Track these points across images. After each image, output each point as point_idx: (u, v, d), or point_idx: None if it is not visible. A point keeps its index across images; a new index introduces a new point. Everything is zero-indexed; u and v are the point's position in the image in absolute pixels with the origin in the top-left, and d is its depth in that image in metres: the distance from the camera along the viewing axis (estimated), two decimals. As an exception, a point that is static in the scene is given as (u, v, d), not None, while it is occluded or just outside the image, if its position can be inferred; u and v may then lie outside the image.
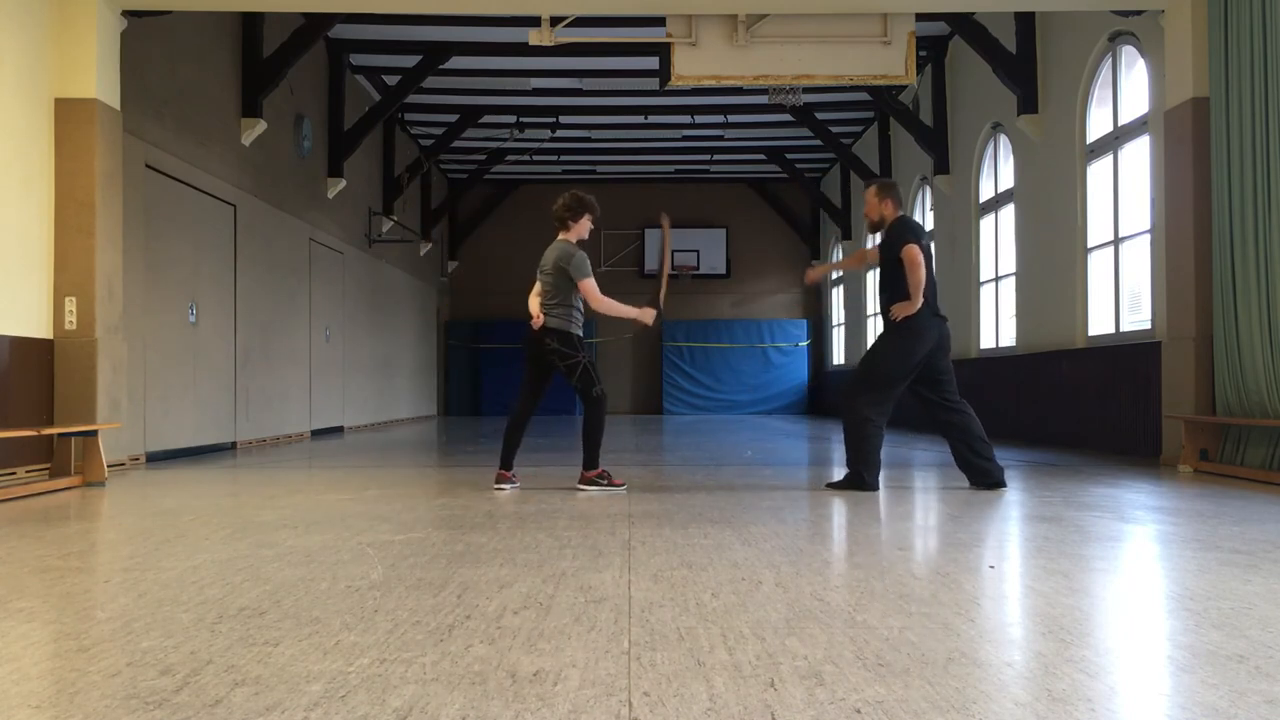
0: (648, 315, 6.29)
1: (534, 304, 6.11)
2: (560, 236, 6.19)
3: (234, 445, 10.47)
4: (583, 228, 6.20)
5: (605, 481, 6.04)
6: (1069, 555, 3.76)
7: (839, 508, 5.46)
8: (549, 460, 8.46)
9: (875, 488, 5.93)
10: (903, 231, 5.88)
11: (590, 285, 6.03)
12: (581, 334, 6.13)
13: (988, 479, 6.01)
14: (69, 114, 7.27)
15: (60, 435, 6.83)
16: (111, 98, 7.55)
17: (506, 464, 6.19)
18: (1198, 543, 4.05)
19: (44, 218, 7.17)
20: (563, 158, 20.08)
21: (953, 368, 6.12)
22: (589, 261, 6.13)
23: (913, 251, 5.76)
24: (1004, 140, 12.08)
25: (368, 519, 4.79)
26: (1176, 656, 2.40)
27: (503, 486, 6.11)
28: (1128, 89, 9.32)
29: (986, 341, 12.64)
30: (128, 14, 7.82)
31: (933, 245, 6.19)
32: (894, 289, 5.93)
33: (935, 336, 5.91)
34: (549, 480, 6.69)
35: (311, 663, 2.31)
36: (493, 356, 21.87)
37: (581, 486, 6.05)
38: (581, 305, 6.14)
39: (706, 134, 18.19)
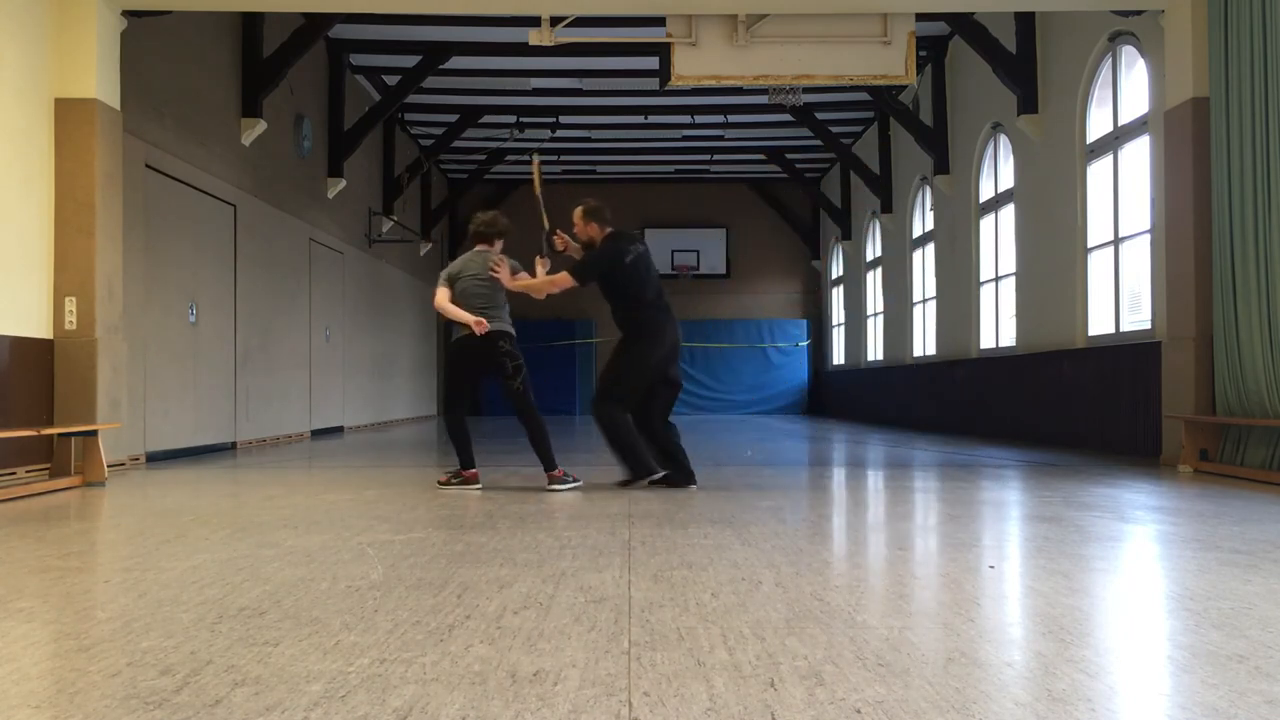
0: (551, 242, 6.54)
1: (459, 311, 6.09)
2: (479, 247, 6.32)
3: (234, 445, 10.47)
4: (496, 249, 6.37)
5: (571, 479, 6.14)
6: (1069, 555, 3.76)
7: (839, 508, 5.47)
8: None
9: (656, 471, 6.10)
10: (583, 262, 6.18)
11: (521, 276, 6.26)
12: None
13: (635, 475, 6.15)
14: (69, 114, 7.27)
15: (60, 435, 6.82)
16: (111, 98, 7.55)
17: (471, 462, 6.26)
18: (1198, 543, 4.05)
19: (44, 218, 7.17)
20: (563, 158, 20.08)
21: (680, 380, 6.31)
22: None
23: (563, 278, 6.11)
24: (1004, 140, 12.08)
25: (368, 519, 4.79)
26: (1176, 656, 2.40)
27: (475, 487, 6.18)
28: (1128, 89, 9.32)
29: (986, 341, 12.64)
30: (128, 14, 7.82)
31: (653, 253, 6.52)
32: (614, 302, 6.19)
33: (671, 338, 6.14)
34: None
35: (311, 663, 2.31)
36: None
37: (552, 488, 6.06)
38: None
39: (706, 134, 18.19)
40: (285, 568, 3.51)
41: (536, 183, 6.94)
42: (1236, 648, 2.44)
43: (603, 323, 22.06)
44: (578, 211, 6.36)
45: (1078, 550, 3.87)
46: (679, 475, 6.18)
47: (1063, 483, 6.44)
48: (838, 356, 21.19)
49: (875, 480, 7.02)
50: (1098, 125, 9.76)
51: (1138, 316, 9.11)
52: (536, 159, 7.26)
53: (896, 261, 16.46)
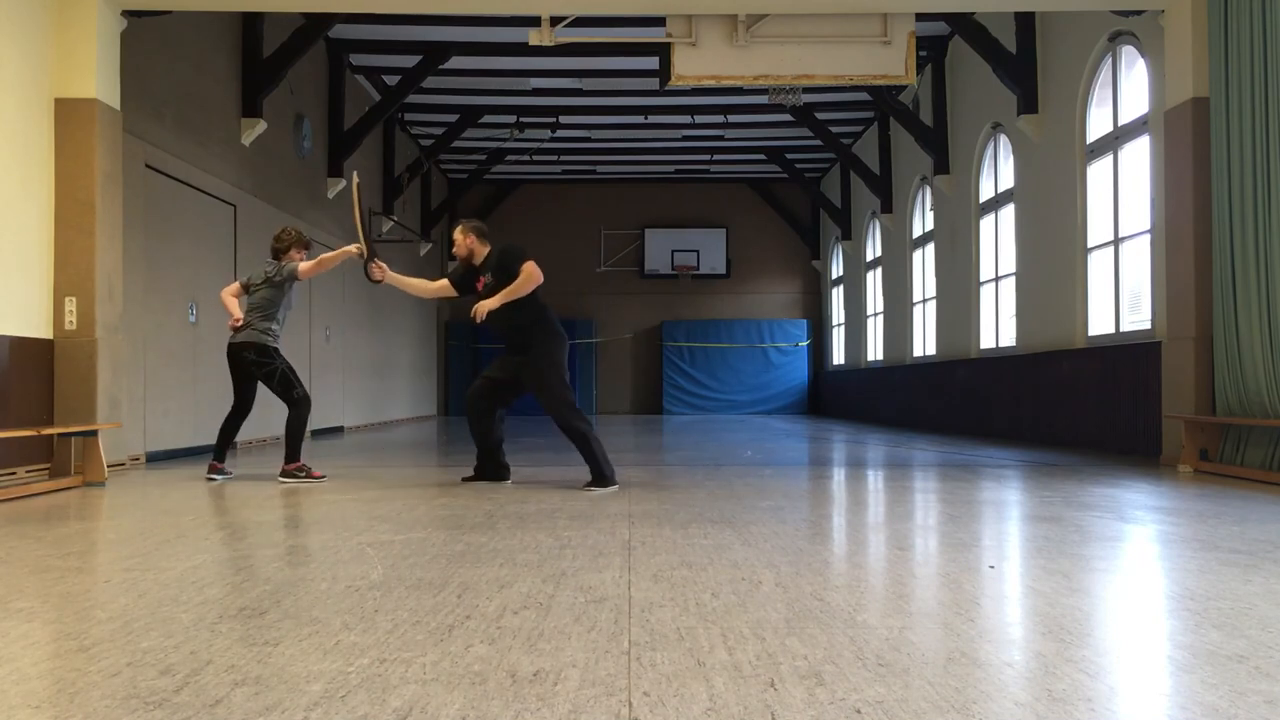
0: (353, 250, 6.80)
1: (232, 304, 6.97)
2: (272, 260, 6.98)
3: (234, 445, 10.44)
4: (288, 259, 6.96)
5: (304, 474, 6.68)
6: (1069, 555, 3.76)
7: (839, 508, 5.47)
8: (547, 460, 8.46)
9: (615, 481, 6.18)
10: (518, 254, 6.24)
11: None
12: (278, 345, 6.95)
13: (492, 475, 6.46)
14: (69, 114, 7.27)
15: (60, 435, 6.82)
16: (111, 98, 7.55)
17: (220, 456, 6.94)
18: (1198, 543, 4.05)
19: (44, 218, 7.17)
20: (563, 158, 20.08)
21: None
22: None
23: (531, 266, 6.14)
24: (1004, 140, 12.08)
25: (368, 519, 4.79)
26: (1176, 656, 2.40)
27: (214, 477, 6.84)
28: (1128, 89, 9.32)
29: (986, 341, 12.64)
30: (128, 14, 7.81)
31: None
32: (512, 309, 6.17)
33: (565, 338, 6.32)
34: (547, 479, 6.68)
35: (311, 663, 2.31)
36: (493, 356, 21.86)
37: (282, 480, 6.66)
38: (282, 318, 7.00)
39: (706, 134, 18.19)
40: (285, 568, 3.51)
41: (356, 207, 6.94)
42: (1236, 648, 2.44)
43: (602, 322, 22.08)
44: (463, 229, 6.46)
45: (1078, 550, 3.87)
46: (495, 471, 6.47)
47: (1063, 483, 6.44)
48: (838, 356, 21.19)
49: (875, 480, 7.03)
50: (1098, 125, 9.76)
51: (1138, 316, 9.11)
52: (355, 178, 7.11)
53: (896, 261, 16.47)
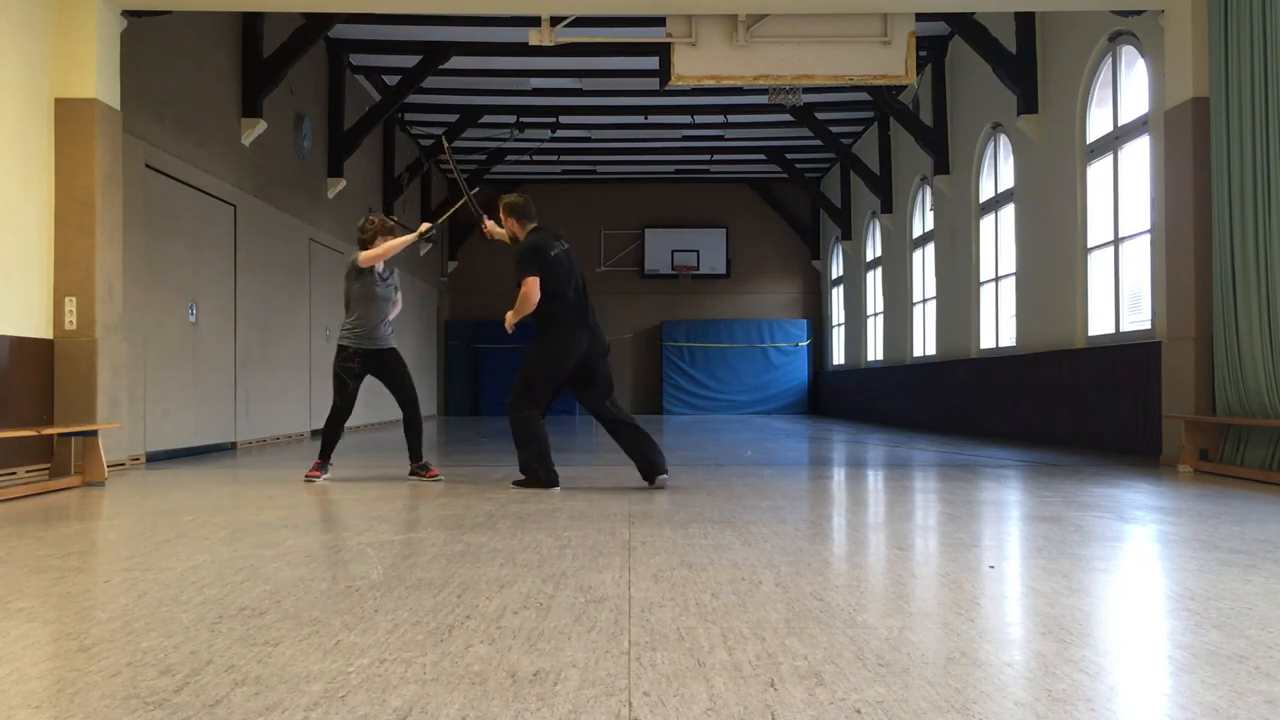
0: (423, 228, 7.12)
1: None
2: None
3: (234, 445, 10.46)
4: (368, 253, 6.93)
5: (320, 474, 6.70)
6: (1069, 555, 3.76)
7: (839, 508, 5.47)
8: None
9: (556, 483, 6.05)
10: (520, 262, 6.11)
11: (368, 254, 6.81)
12: (347, 344, 6.75)
13: (652, 471, 6.10)
14: (69, 114, 7.27)
15: (60, 435, 6.82)
16: (111, 98, 7.55)
17: (322, 455, 6.80)
18: (1198, 543, 4.05)
19: (44, 218, 7.16)
20: (563, 158, 20.08)
21: (610, 375, 6.31)
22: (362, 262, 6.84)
23: (528, 285, 6.02)
24: (1004, 140, 12.08)
25: (368, 519, 4.79)
26: (1176, 656, 2.40)
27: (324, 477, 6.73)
28: (1128, 89, 9.32)
29: (986, 341, 12.64)
30: (128, 14, 7.81)
31: (571, 254, 6.37)
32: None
33: (586, 342, 6.15)
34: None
35: (311, 663, 2.31)
36: (493, 356, 21.88)
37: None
38: (364, 311, 6.76)
39: (706, 134, 18.19)
40: (285, 568, 3.51)
41: (455, 170, 7.28)
42: (1236, 648, 2.44)
43: (602, 322, 22.07)
44: (502, 212, 6.40)
45: (1078, 550, 3.87)
46: (652, 465, 6.09)
47: (1063, 483, 6.43)
48: (838, 356, 21.19)
49: (875, 480, 7.03)
50: (1098, 125, 9.76)
51: (1138, 316, 9.11)
52: (445, 143, 7.82)
53: (896, 261, 16.47)
